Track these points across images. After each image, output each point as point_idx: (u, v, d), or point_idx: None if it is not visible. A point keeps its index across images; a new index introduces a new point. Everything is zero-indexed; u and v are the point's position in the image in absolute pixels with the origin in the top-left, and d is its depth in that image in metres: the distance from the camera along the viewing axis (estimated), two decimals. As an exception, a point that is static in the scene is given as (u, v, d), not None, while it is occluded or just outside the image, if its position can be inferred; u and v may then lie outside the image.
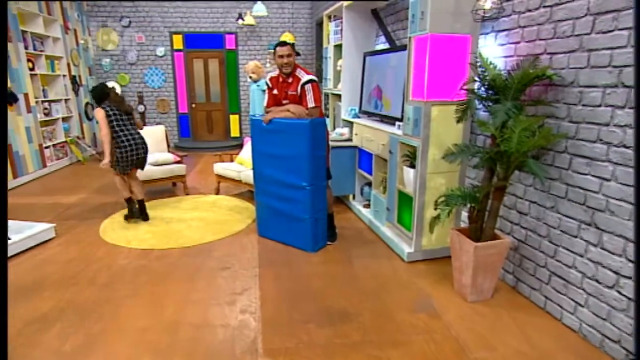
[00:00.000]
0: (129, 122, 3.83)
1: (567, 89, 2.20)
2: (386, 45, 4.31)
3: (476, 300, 2.58)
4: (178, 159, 4.89)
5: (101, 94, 3.75)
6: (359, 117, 4.40)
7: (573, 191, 2.21)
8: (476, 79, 2.42)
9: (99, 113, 3.67)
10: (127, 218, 3.94)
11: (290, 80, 3.18)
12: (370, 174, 3.92)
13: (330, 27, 5.08)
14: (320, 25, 7.47)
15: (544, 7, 2.33)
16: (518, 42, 2.54)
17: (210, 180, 5.56)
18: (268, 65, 8.03)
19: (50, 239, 3.58)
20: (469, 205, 2.54)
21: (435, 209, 2.67)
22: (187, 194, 4.86)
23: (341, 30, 4.64)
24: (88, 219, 4.11)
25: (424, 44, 2.77)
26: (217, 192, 4.94)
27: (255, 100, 7.24)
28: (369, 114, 4.20)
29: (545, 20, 2.32)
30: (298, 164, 3.15)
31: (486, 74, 2.36)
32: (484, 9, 2.56)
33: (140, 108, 8.12)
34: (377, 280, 2.86)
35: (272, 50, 7.68)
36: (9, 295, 2.66)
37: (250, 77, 7.22)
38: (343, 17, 4.47)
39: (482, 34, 2.86)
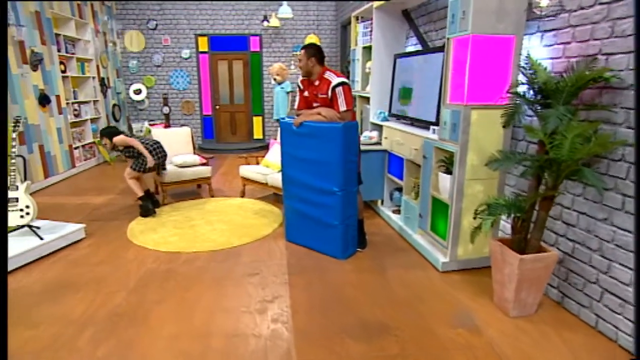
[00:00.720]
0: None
1: (626, 92, 2.05)
2: (418, 47, 4.20)
3: (519, 315, 2.44)
4: (204, 161, 4.90)
5: (114, 131, 4.22)
6: (387, 120, 4.30)
7: (631, 202, 2.06)
8: (523, 81, 2.29)
9: (120, 138, 4.10)
10: (145, 214, 4.16)
11: (317, 83, 3.12)
12: (401, 179, 3.83)
13: (358, 29, 5.00)
14: (345, 27, 7.59)
15: (600, 4, 2.18)
16: (568, 43, 2.40)
17: (235, 183, 5.55)
18: (292, 67, 8.02)
19: (80, 240, 3.61)
20: (512, 215, 2.40)
21: (475, 217, 2.54)
22: (212, 196, 4.84)
23: (371, 31, 4.56)
24: (116, 220, 4.13)
25: (465, 46, 2.65)
26: (243, 195, 4.90)
27: (279, 102, 7.25)
28: (399, 117, 4.10)
29: (602, 18, 2.17)
30: (329, 169, 3.08)
31: (535, 76, 2.22)
32: (540, 7, 2.41)
33: (165, 110, 8.19)
34: (412, 290, 2.75)
35: (297, 53, 8.06)
36: (42, 296, 2.67)
37: (275, 79, 7.24)
38: (373, 18, 4.37)
39: (525, 35, 2.72)
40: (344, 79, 3.07)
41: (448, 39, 2.83)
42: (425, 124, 3.55)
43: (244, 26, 8.05)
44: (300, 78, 3.30)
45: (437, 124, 3.26)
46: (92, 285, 2.83)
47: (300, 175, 3.26)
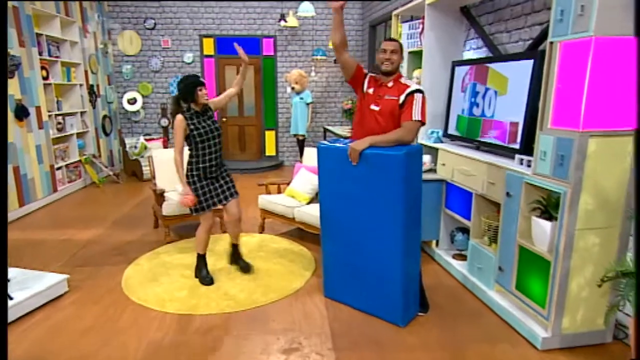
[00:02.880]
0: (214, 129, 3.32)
1: None
2: (480, 53, 3.85)
3: None
4: None
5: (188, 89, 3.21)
6: (441, 142, 3.91)
7: None
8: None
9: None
10: (201, 278, 3.39)
11: (390, 84, 2.85)
12: (467, 217, 3.42)
13: (401, 30, 4.65)
14: (374, 27, 7.35)
15: None
16: None
17: (250, 212, 5.11)
18: (313, 74, 7.79)
19: (62, 295, 3.14)
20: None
21: (600, 285, 2.06)
22: (224, 232, 4.42)
23: (420, 33, 4.23)
24: (107, 265, 3.70)
25: (583, 52, 2.21)
26: (262, 230, 4.49)
27: (298, 115, 6.98)
28: (460, 139, 3.72)
29: None
30: (387, 208, 2.69)
31: None
32: None
33: (164, 122, 7.90)
34: (511, 382, 2.24)
35: (317, 57, 7.93)
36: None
37: (293, 89, 6.96)
38: (424, 17, 4.02)
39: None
40: (422, 88, 2.82)
41: (551, 43, 2.40)
42: (504, 151, 3.14)
43: (255, 26, 7.85)
44: (370, 75, 2.98)
45: (523, 151, 2.90)
46: (77, 367, 2.35)
47: (347, 214, 2.89)
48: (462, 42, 4.13)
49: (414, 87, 2.78)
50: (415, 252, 2.84)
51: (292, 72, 6.63)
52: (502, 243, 2.92)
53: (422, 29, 4.14)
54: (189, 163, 3.25)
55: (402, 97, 2.76)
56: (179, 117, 3.16)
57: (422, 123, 2.74)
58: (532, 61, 2.86)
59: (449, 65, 3.97)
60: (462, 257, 3.58)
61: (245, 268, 3.52)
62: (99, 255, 3.93)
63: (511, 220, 2.80)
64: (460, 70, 3.76)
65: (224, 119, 8.13)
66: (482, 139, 3.38)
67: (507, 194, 2.83)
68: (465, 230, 3.61)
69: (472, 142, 3.54)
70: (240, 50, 3.52)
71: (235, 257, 3.61)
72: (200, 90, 3.16)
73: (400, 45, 2.84)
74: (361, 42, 8.05)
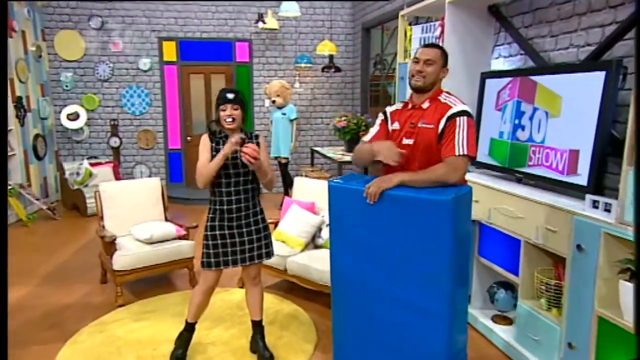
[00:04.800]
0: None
1: None
2: (513, 61, 3.73)
3: None
4: (182, 231, 4.18)
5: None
6: (468, 171, 3.71)
7: None
8: None
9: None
10: (172, 354, 2.90)
11: (426, 105, 2.56)
12: (512, 271, 3.18)
13: (412, 33, 4.58)
14: (367, 30, 7.47)
15: None
16: None
17: None
18: (297, 85, 7.72)
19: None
20: None
21: None
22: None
23: (439, 37, 4.08)
24: (34, 344, 3.21)
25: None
26: (242, 284, 4.07)
27: (280, 133, 6.74)
28: (493, 168, 3.57)
29: None
30: (426, 270, 2.40)
31: None
32: None
33: (114, 142, 7.67)
34: None
35: (301, 65, 7.79)
36: None
37: (274, 102, 6.77)
38: (445, 18, 3.89)
39: None
40: (468, 109, 2.52)
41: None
42: (560, 186, 2.94)
43: (227, 28, 7.74)
44: (391, 109, 2.72)
45: (593, 189, 2.67)
46: None
47: (369, 275, 2.59)
48: (490, 48, 4.03)
49: (458, 107, 2.47)
50: (462, 325, 2.55)
51: (272, 83, 6.48)
52: (571, 310, 2.62)
53: (442, 32, 4.02)
54: (210, 204, 2.85)
55: (441, 123, 2.45)
56: (204, 137, 2.79)
57: (471, 157, 2.43)
58: (602, 73, 2.62)
59: (475, 77, 3.83)
60: (506, 321, 3.33)
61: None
62: (23, 328, 3.43)
63: (584, 281, 2.50)
64: (493, 84, 3.60)
65: (189, 138, 7.97)
66: (530, 170, 3.16)
67: (578, 247, 2.53)
68: (508, 287, 3.35)
69: (511, 172, 3.34)
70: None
71: (257, 340, 2.99)
72: (224, 109, 2.69)
73: (443, 54, 2.55)
74: (352, 48, 8.08)
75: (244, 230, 2.82)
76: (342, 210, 2.60)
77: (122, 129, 7.77)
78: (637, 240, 1.83)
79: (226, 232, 2.78)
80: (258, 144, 2.77)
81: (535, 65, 3.45)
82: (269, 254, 2.92)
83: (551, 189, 3.00)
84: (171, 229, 4.08)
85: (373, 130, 2.73)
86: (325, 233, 3.85)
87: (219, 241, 2.77)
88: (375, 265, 2.53)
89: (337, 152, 6.43)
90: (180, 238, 4.14)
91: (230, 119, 2.67)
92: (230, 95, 2.68)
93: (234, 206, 2.76)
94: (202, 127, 8.01)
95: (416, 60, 2.51)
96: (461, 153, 2.36)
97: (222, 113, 2.67)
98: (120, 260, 3.69)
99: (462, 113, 2.44)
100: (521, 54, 3.64)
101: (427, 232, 2.33)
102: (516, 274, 3.10)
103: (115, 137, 7.65)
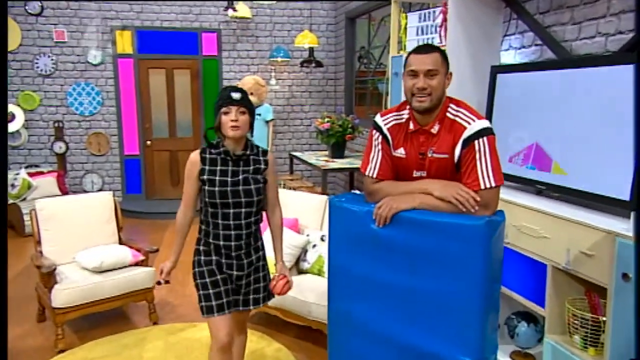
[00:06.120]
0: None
1: None
2: (526, 54, 3.70)
3: None
4: (140, 256, 4.00)
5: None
6: None
7: None
8: None
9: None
10: None
11: (436, 128, 2.32)
12: (535, 301, 3.03)
13: (407, 22, 4.55)
14: (352, 20, 7.52)
15: None
16: None
17: (190, 287, 4.39)
18: (273, 81, 7.73)
19: None
20: None
21: None
22: (156, 323, 4.00)
23: (441, 26, 4.02)
24: None
25: None
26: None
27: (254, 136, 6.41)
28: (508, 178, 3.42)
29: None
30: (451, 313, 2.25)
31: None
32: None
33: (59, 147, 7.48)
34: None
35: (278, 59, 7.80)
36: None
37: None
38: (449, 3, 3.83)
39: None
40: (488, 124, 2.29)
41: None
42: (590, 200, 2.82)
43: (192, 17, 7.71)
44: (386, 124, 2.46)
45: (633, 205, 2.53)
46: None
47: (378, 319, 2.44)
48: (500, 39, 3.98)
49: (473, 126, 2.25)
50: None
51: (245, 80, 6.29)
52: (615, 351, 2.46)
53: (443, 20, 3.96)
54: (199, 231, 2.58)
55: (457, 150, 2.26)
56: (192, 155, 2.50)
57: (498, 187, 2.26)
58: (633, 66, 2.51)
59: (481, 71, 3.77)
60: (528, 358, 3.21)
61: None
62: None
63: (632, 316, 2.30)
64: (505, 79, 3.52)
65: (148, 143, 7.95)
66: (553, 180, 3.05)
67: (624, 275, 2.37)
68: (530, 319, 3.22)
69: (530, 183, 3.26)
70: None
71: None
72: (227, 112, 2.39)
73: (444, 56, 2.30)
74: (335, 40, 8.13)
75: (244, 272, 2.58)
76: (344, 230, 2.47)
77: (69, 132, 7.63)
78: (637, 248, 1.85)
79: (224, 269, 2.55)
80: (267, 162, 2.54)
81: (555, 58, 3.37)
82: (269, 296, 2.71)
83: (578, 202, 2.87)
84: (126, 253, 3.91)
85: (376, 157, 2.46)
86: (312, 256, 3.71)
87: (219, 276, 2.49)
88: (383, 304, 2.39)
89: (320, 158, 6.29)
90: (137, 264, 3.98)
91: (236, 128, 2.38)
92: (236, 95, 2.38)
93: (233, 243, 2.48)
94: (165, 129, 8.02)
95: (413, 74, 2.26)
96: (488, 186, 2.21)
97: (224, 117, 2.36)
98: (61, 296, 3.43)
99: (480, 133, 2.25)
100: (536, 45, 3.59)
101: (455, 261, 2.19)
102: (541, 304, 2.96)
103: (60, 142, 7.51)
